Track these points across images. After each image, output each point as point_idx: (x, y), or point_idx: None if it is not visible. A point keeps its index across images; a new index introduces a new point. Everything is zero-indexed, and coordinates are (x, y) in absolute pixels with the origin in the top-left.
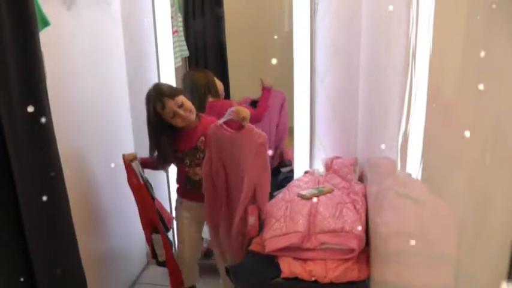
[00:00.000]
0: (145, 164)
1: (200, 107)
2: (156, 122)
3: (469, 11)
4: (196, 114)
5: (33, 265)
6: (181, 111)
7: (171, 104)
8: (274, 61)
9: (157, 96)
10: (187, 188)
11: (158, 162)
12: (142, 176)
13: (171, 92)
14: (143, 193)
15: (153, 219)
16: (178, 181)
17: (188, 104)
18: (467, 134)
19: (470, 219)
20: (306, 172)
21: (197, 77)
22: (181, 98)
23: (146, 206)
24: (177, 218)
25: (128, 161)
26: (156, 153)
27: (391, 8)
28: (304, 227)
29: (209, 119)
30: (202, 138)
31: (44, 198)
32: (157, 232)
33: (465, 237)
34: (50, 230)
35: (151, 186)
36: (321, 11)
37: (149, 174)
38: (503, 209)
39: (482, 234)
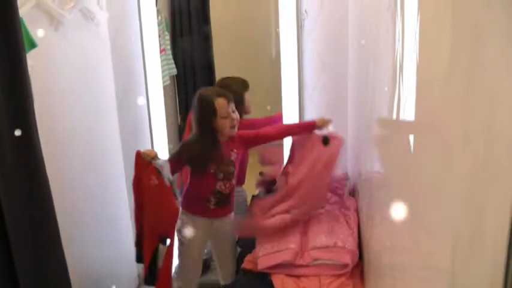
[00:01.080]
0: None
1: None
2: (208, 120)
3: (453, 24)
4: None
5: (17, 275)
6: (233, 115)
7: (230, 105)
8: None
9: (224, 93)
10: (209, 204)
11: (195, 167)
12: (168, 178)
13: (231, 97)
14: (166, 197)
15: (170, 227)
16: (194, 196)
17: (237, 114)
18: (457, 145)
19: (464, 232)
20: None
21: (235, 85)
22: (233, 106)
23: (168, 212)
24: (182, 237)
25: (149, 159)
26: (191, 154)
27: (363, 41)
28: (297, 244)
29: (241, 133)
30: (236, 151)
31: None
32: (163, 243)
33: (459, 250)
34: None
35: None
36: (308, 26)
37: None
38: (497, 220)
39: (477, 247)
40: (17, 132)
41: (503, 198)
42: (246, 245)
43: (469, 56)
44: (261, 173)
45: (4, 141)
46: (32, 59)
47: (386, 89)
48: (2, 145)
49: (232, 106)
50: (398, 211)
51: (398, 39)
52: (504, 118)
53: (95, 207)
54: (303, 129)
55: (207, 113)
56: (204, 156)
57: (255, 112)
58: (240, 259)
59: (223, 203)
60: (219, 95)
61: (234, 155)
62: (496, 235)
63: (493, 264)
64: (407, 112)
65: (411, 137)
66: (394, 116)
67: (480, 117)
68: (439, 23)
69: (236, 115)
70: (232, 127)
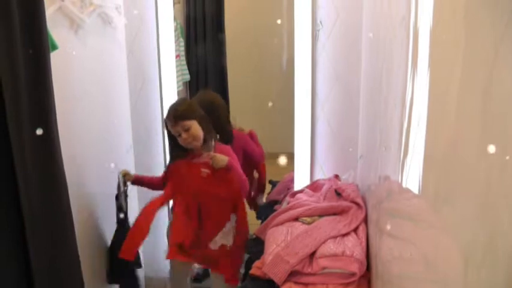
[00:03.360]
0: (143, 181)
1: (222, 135)
2: (169, 134)
3: (466, 43)
4: (209, 143)
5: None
6: (183, 135)
7: (177, 127)
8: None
9: (168, 115)
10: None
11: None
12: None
13: (183, 115)
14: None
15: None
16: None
17: (196, 131)
18: (473, 161)
19: (477, 244)
20: (310, 184)
21: (216, 97)
22: (191, 123)
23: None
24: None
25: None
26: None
27: (370, 35)
28: (305, 252)
29: (224, 148)
30: (207, 171)
31: (49, 218)
32: None
33: (471, 263)
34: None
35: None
36: (322, 37)
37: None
38: (509, 233)
39: (489, 259)
40: (39, 131)
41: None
42: (254, 251)
43: (483, 73)
44: (270, 181)
45: (25, 139)
46: (52, 59)
47: (397, 104)
48: (23, 143)
49: (186, 125)
50: (408, 222)
51: (411, 55)
52: None
53: (107, 213)
54: None
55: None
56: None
57: (265, 121)
58: (248, 265)
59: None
60: (168, 117)
61: (204, 174)
62: (508, 248)
63: (506, 277)
64: (420, 128)
65: (422, 149)
66: (404, 131)
67: (495, 136)
68: (453, 36)
69: (190, 134)
70: (188, 143)
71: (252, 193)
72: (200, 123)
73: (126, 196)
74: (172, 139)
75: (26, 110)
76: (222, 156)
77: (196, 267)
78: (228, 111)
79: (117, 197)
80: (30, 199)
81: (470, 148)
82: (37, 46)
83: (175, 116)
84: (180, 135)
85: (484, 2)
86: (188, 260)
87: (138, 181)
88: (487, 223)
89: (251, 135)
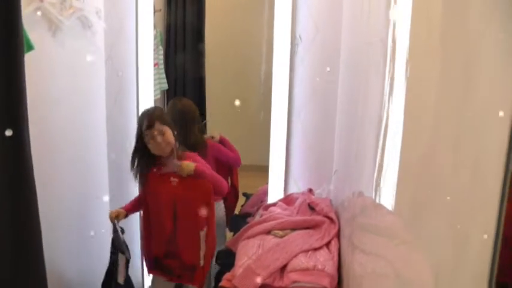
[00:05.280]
0: (132, 208)
1: (190, 143)
2: (139, 140)
3: (442, 62)
4: (178, 151)
5: None
6: (158, 138)
7: (153, 129)
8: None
9: (145, 116)
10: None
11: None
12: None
13: (161, 117)
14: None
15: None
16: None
17: (169, 137)
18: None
19: (447, 260)
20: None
21: (188, 107)
22: (166, 129)
23: None
24: None
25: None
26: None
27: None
28: (276, 265)
29: (190, 155)
30: (176, 180)
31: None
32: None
33: (442, 278)
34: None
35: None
36: (301, 51)
37: None
38: (479, 249)
39: (460, 275)
40: (8, 132)
41: (487, 227)
42: (225, 263)
43: (458, 95)
44: (244, 194)
45: None
46: (26, 60)
47: (373, 118)
48: None
49: (163, 129)
50: (381, 237)
51: (388, 75)
52: (490, 155)
53: (73, 217)
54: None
55: (139, 136)
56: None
57: (244, 130)
58: (218, 277)
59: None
60: (148, 116)
61: (174, 182)
62: (478, 264)
63: None
64: (395, 142)
65: (397, 164)
66: (380, 149)
67: (468, 156)
68: (429, 55)
69: (164, 138)
70: (157, 149)
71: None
72: (174, 133)
73: (123, 232)
74: (141, 148)
75: None
76: (189, 164)
77: None
78: (201, 121)
79: (114, 241)
80: None
81: (443, 166)
82: (11, 46)
83: (156, 116)
84: (153, 138)
85: (459, 24)
86: (165, 276)
87: (131, 211)
88: (457, 240)
89: (222, 142)
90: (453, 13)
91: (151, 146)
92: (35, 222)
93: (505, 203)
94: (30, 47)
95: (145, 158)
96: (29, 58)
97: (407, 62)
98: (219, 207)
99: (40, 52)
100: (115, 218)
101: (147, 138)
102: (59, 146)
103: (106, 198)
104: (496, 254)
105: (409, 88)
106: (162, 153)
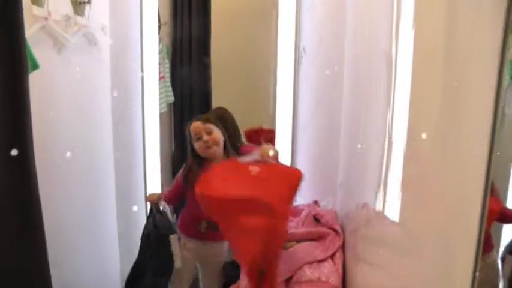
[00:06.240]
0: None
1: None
2: (190, 143)
3: (444, 76)
4: (227, 153)
5: None
6: (204, 136)
7: (199, 126)
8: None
9: (200, 116)
10: (200, 227)
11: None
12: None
13: (209, 118)
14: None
15: None
16: (187, 218)
17: (218, 136)
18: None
19: (451, 271)
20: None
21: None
22: (214, 128)
23: None
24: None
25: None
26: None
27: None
28: (281, 277)
29: (248, 147)
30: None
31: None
32: None
33: None
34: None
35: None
36: (305, 64)
37: None
38: (464, 269)
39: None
40: (14, 152)
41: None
42: (231, 275)
43: (460, 108)
44: None
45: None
46: (32, 79)
47: (378, 131)
48: None
49: (210, 127)
50: (384, 250)
51: (392, 86)
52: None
53: (83, 235)
54: None
55: (188, 137)
56: (187, 176)
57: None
58: None
59: (215, 228)
60: (195, 119)
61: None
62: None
63: None
64: (399, 155)
65: (400, 176)
66: (384, 164)
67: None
68: (431, 72)
69: (212, 138)
70: (207, 148)
71: None
72: (224, 135)
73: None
74: (192, 148)
75: (1, 130)
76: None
77: None
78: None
79: (158, 224)
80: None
81: (446, 178)
82: (15, 65)
83: (199, 117)
84: (200, 138)
85: (465, 38)
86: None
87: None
88: (445, 255)
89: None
90: (457, 26)
91: (198, 147)
92: (42, 249)
93: None
94: (35, 66)
95: (193, 158)
96: (34, 77)
97: (411, 74)
98: None
99: (46, 70)
100: (156, 200)
101: (193, 138)
102: (64, 164)
103: (114, 218)
104: None
105: (412, 101)
106: (210, 154)
